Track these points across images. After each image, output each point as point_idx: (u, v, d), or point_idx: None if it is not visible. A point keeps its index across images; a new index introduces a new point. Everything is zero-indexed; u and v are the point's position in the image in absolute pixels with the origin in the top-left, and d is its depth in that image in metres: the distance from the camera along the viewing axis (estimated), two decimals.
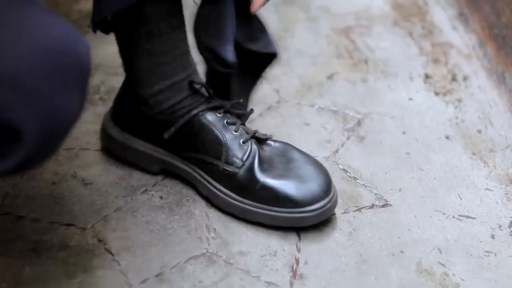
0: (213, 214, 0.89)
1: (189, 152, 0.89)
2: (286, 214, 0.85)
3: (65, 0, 1.34)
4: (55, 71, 0.59)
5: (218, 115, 0.88)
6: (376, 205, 0.92)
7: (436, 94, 1.14)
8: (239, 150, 0.87)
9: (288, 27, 1.32)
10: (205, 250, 0.85)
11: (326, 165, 0.97)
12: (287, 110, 1.09)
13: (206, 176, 0.89)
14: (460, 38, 1.28)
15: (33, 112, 0.58)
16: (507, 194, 0.95)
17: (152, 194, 0.92)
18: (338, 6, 1.39)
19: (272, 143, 0.90)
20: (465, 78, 1.18)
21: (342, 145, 1.03)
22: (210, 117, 0.88)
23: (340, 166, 0.98)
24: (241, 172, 0.86)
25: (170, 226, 0.88)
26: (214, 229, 0.87)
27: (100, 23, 0.86)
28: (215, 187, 0.88)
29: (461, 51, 1.25)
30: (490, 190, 0.96)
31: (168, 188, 0.93)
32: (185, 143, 0.89)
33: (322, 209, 0.85)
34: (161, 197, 0.91)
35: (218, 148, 0.87)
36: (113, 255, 0.83)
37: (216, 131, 0.87)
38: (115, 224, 0.87)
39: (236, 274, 0.82)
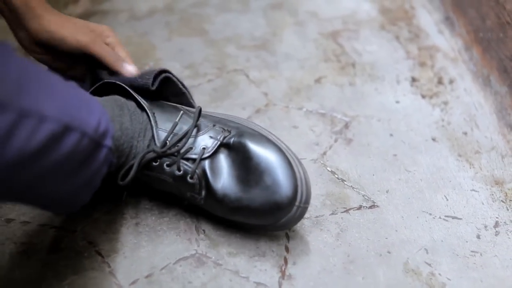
0: (202, 216, 0.89)
1: (157, 194, 0.91)
2: (260, 227, 0.85)
3: (54, 4, 1.34)
4: None
5: (155, 163, 0.84)
6: (364, 206, 0.93)
7: (423, 97, 1.16)
8: (191, 186, 0.84)
9: (276, 31, 1.33)
10: (194, 252, 0.85)
11: (314, 167, 0.99)
12: (276, 113, 1.10)
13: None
14: (446, 42, 1.30)
15: None
16: (492, 195, 0.96)
17: (141, 196, 0.92)
18: (326, 10, 1.40)
19: (225, 151, 0.85)
20: (451, 81, 1.19)
21: (330, 148, 1.03)
22: (151, 168, 0.84)
23: (328, 168, 0.99)
24: (203, 202, 0.85)
25: (159, 228, 0.88)
26: (204, 230, 0.88)
27: None
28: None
29: (447, 54, 1.26)
30: (476, 191, 0.97)
31: (160, 194, 0.93)
32: (148, 191, 0.91)
33: (292, 218, 0.82)
34: (150, 199, 0.92)
35: (175, 190, 0.86)
36: (103, 257, 0.84)
37: (162, 178, 0.85)
38: (104, 227, 0.88)
39: (225, 275, 0.83)
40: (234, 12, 1.39)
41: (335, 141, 1.05)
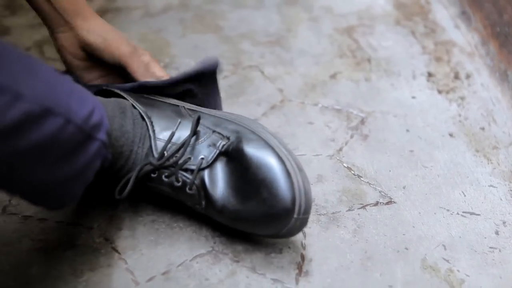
0: None
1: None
2: (271, 226, 0.82)
3: None
4: None
5: (154, 175, 0.83)
6: (381, 203, 0.93)
7: (439, 92, 1.15)
8: (192, 197, 0.83)
9: (291, 27, 1.32)
10: (211, 248, 0.85)
11: (330, 163, 0.98)
12: (291, 109, 1.09)
13: None
14: (462, 37, 1.29)
15: None
16: (511, 190, 0.95)
17: (158, 193, 0.92)
18: (341, 6, 1.39)
19: (223, 159, 0.83)
20: (467, 76, 1.18)
21: (346, 144, 1.03)
22: (149, 180, 0.84)
23: (344, 164, 0.99)
24: (205, 211, 0.84)
25: (176, 225, 0.88)
26: (220, 227, 0.88)
27: None
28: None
29: (464, 49, 1.25)
30: (494, 187, 0.96)
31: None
32: (150, 198, 0.91)
33: (293, 229, 0.80)
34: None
35: (179, 199, 0.86)
36: (119, 253, 0.84)
37: (161, 190, 0.85)
38: (121, 223, 0.88)
39: (242, 271, 0.82)
40: (248, 8, 1.38)
41: (351, 137, 1.04)
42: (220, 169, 0.83)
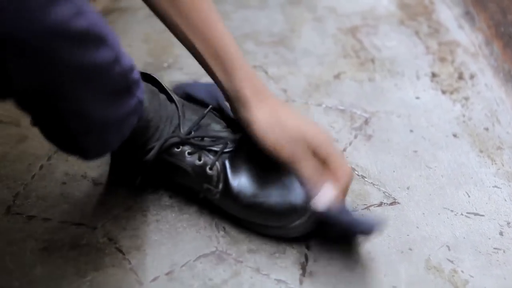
0: (222, 213, 0.89)
1: (171, 184, 0.91)
2: (272, 229, 0.84)
3: None
4: None
5: (177, 149, 0.86)
6: (384, 203, 0.93)
7: (443, 92, 1.15)
8: (209, 178, 0.85)
9: (295, 27, 1.32)
10: (214, 249, 0.85)
11: None
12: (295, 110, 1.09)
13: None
14: (466, 37, 1.29)
15: None
16: None
17: (161, 194, 0.92)
18: (344, 6, 1.39)
19: (247, 146, 0.84)
20: (471, 77, 1.18)
21: (350, 144, 1.03)
22: (171, 154, 0.86)
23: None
24: (219, 197, 0.85)
25: (179, 225, 0.88)
26: (224, 227, 0.88)
27: None
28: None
29: (468, 49, 1.25)
30: (498, 188, 0.96)
31: (177, 187, 0.93)
32: (163, 179, 0.91)
33: (306, 223, 0.82)
34: (170, 197, 0.92)
35: (189, 179, 0.87)
36: (123, 253, 0.84)
37: (181, 165, 0.86)
38: (125, 223, 0.88)
39: (246, 272, 0.82)
40: (252, 8, 1.38)
41: (355, 137, 1.04)
42: (243, 154, 0.85)
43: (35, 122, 0.74)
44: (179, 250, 0.85)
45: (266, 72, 1.18)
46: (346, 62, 1.22)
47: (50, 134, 0.76)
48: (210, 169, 0.84)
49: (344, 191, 0.81)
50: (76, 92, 0.69)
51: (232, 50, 0.81)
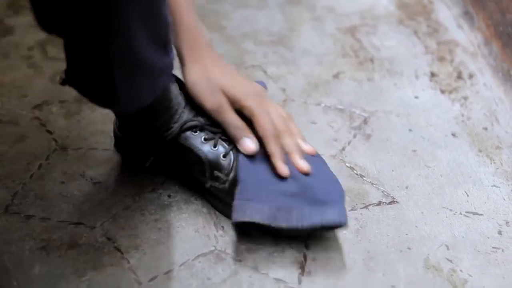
0: (221, 212, 0.89)
1: (180, 170, 0.91)
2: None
3: None
4: None
5: (194, 134, 0.88)
6: (383, 202, 0.93)
7: (442, 92, 1.15)
8: (221, 166, 0.87)
9: (294, 26, 1.32)
10: (213, 248, 0.85)
11: (333, 163, 0.98)
12: (294, 109, 1.09)
13: (198, 190, 0.91)
14: (465, 36, 1.29)
15: None
16: None
17: (160, 193, 0.92)
18: (343, 5, 1.39)
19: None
20: (470, 76, 1.18)
21: (349, 143, 1.03)
22: (186, 138, 0.88)
23: (347, 164, 0.99)
24: (227, 186, 0.86)
25: (178, 224, 0.88)
26: (222, 227, 0.88)
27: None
28: (208, 198, 0.90)
29: (467, 49, 1.25)
30: (497, 187, 0.96)
31: (176, 186, 0.93)
32: (173, 163, 0.91)
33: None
34: (169, 196, 0.92)
35: (200, 166, 0.87)
36: (122, 253, 0.84)
37: (195, 150, 0.87)
38: (123, 223, 0.88)
39: (244, 271, 0.82)
40: (251, 8, 1.38)
41: (354, 136, 1.04)
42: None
43: (73, 71, 0.78)
44: (177, 249, 0.85)
45: (265, 72, 1.18)
46: (345, 61, 1.22)
47: (89, 82, 0.78)
48: (224, 157, 0.86)
49: (273, 137, 0.86)
50: (131, 29, 0.72)
51: (181, 11, 0.86)
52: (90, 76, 0.77)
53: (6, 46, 1.22)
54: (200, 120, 0.88)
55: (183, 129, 0.87)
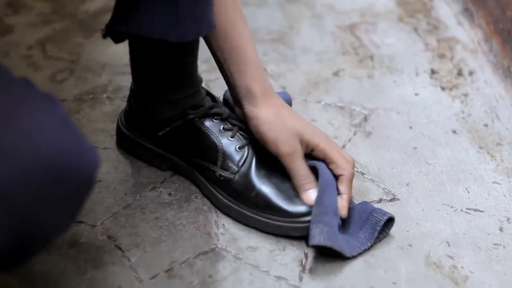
0: (221, 210, 0.89)
1: (188, 155, 0.91)
2: (279, 222, 0.85)
3: (71, 0, 1.34)
4: (48, 186, 0.56)
5: (215, 121, 0.89)
6: (384, 200, 0.93)
7: (442, 89, 1.15)
8: (234, 156, 0.87)
9: (293, 24, 1.32)
10: (214, 246, 0.85)
11: None
12: (294, 107, 1.08)
13: (204, 180, 0.90)
14: (465, 33, 1.29)
15: (9, 220, 0.55)
16: None
17: (161, 191, 0.92)
18: (343, 3, 1.39)
19: None
20: (471, 73, 1.18)
21: (349, 141, 1.03)
22: (207, 123, 0.89)
23: None
24: (236, 177, 0.87)
25: (179, 222, 0.88)
26: (223, 224, 0.88)
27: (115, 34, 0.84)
28: (214, 189, 0.89)
29: (467, 46, 1.25)
30: (498, 184, 0.96)
31: (177, 185, 0.93)
32: (183, 146, 0.91)
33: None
34: (169, 194, 0.92)
35: (213, 153, 0.88)
36: (123, 251, 0.84)
37: (212, 137, 0.88)
38: (124, 221, 0.88)
39: (245, 269, 0.82)
40: (251, 5, 1.38)
41: (354, 134, 1.04)
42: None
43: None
44: (178, 247, 0.85)
45: (265, 70, 1.18)
46: (345, 59, 1.22)
47: (149, 10, 0.78)
48: (239, 149, 0.87)
49: (350, 180, 0.86)
50: None
51: (249, 49, 0.86)
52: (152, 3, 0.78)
53: (6, 45, 1.21)
54: (225, 110, 0.90)
55: (209, 114, 0.89)
